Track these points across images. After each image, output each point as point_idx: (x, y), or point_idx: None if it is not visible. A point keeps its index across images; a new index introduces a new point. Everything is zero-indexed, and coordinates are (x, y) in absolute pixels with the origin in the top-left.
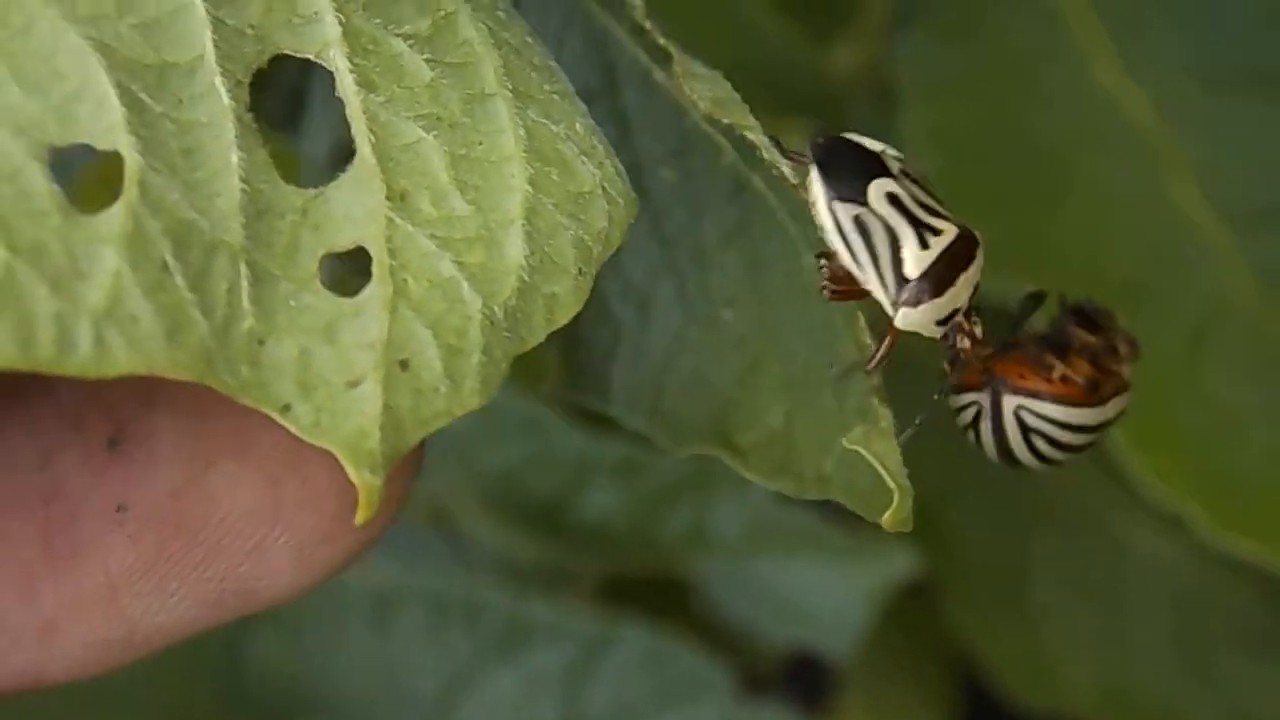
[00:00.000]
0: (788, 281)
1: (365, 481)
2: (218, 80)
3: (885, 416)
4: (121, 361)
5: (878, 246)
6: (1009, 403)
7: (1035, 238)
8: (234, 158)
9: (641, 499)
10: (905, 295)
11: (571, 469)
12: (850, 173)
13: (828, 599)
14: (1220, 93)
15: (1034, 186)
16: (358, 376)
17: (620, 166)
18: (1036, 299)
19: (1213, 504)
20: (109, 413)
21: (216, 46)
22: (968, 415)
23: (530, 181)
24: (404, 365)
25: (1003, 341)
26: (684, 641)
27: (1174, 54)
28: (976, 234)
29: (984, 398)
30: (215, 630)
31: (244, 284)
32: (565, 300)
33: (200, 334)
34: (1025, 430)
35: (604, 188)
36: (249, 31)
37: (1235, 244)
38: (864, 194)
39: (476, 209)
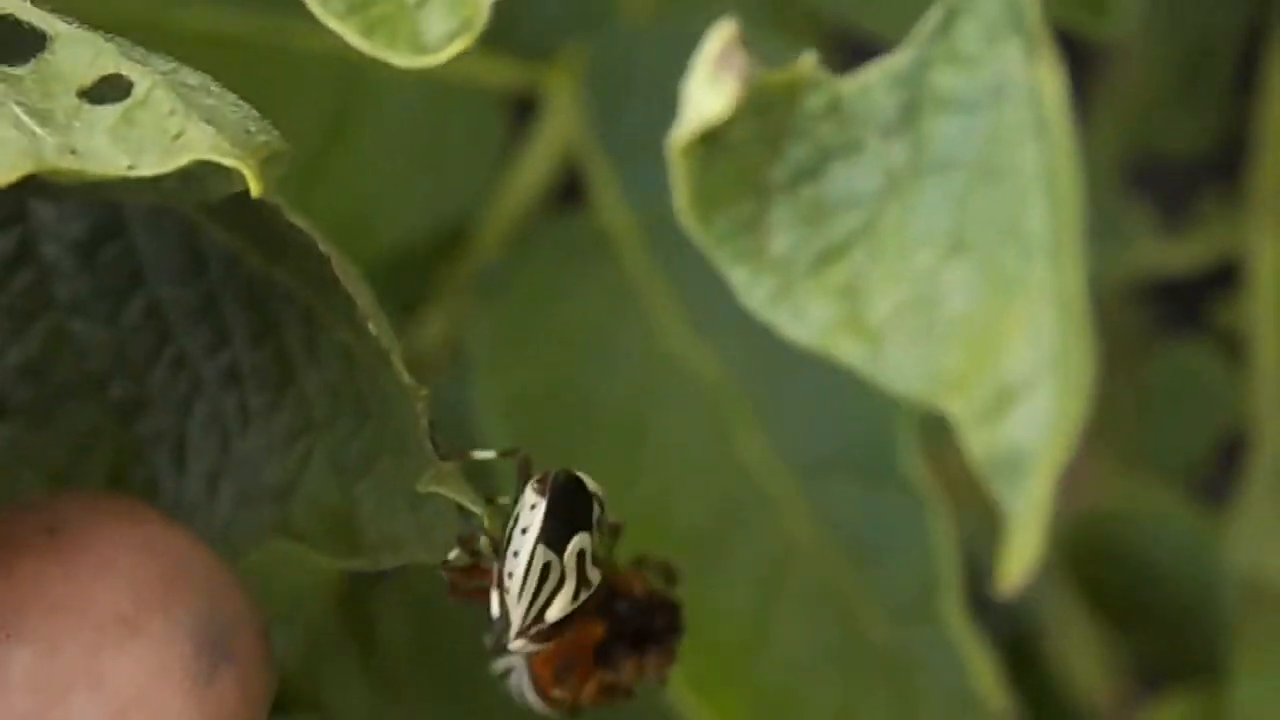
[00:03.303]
0: (306, 354)
1: None
2: None
3: (441, 445)
4: None
5: (543, 589)
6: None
7: (615, 499)
8: None
9: None
10: (534, 631)
11: None
12: (565, 521)
13: None
14: (785, 344)
15: (608, 448)
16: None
17: None
18: None
19: None
20: None
21: None
22: (500, 667)
23: None
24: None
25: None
26: None
27: (743, 309)
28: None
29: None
30: None
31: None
32: None
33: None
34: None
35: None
36: None
37: (800, 492)
38: (565, 546)
39: None
